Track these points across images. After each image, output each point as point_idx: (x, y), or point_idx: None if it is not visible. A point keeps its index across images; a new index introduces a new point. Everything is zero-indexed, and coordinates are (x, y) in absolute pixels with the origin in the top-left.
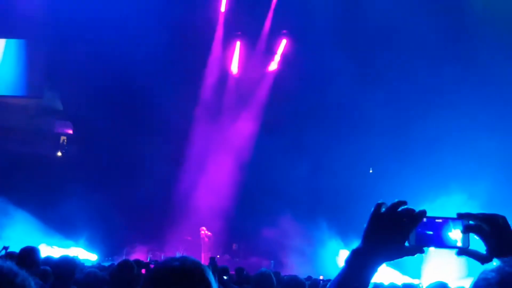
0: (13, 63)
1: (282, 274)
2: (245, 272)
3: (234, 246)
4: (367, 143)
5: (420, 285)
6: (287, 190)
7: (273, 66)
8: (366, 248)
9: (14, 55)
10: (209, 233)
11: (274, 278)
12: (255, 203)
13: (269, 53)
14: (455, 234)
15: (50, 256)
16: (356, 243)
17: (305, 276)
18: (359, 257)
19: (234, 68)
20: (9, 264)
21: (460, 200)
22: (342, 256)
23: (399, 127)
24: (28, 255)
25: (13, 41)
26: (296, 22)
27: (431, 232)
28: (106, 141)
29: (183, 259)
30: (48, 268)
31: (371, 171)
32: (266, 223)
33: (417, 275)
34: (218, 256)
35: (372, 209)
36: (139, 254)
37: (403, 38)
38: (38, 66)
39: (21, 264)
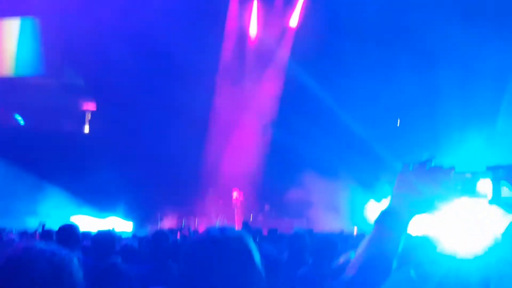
0: (30, 43)
1: (315, 231)
2: (278, 232)
3: (267, 207)
4: (393, 93)
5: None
6: (313, 147)
7: (293, 22)
8: (397, 207)
9: (29, 34)
10: (241, 195)
11: (307, 237)
12: (283, 163)
13: (288, 10)
14: (485, 186)
15: (88, 231)
16: (382, 193)
17: (338, 231)
18: (389, 217)
19: (253, 29)
20: (49, 245)
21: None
22: (371, 208)
23: (424, 75)
24: (68, 232)
25: (27, 21)
26: None
27: (460, 187)
28: (131, 112)
29: (223, 229)
30: (87, 243)
31: (398, 122)
32: (295, 182)
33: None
34: (251, 216)
35: (400, 169)
36: (172, 220)
37: None
38: (55, 44)
39: (62, 241)
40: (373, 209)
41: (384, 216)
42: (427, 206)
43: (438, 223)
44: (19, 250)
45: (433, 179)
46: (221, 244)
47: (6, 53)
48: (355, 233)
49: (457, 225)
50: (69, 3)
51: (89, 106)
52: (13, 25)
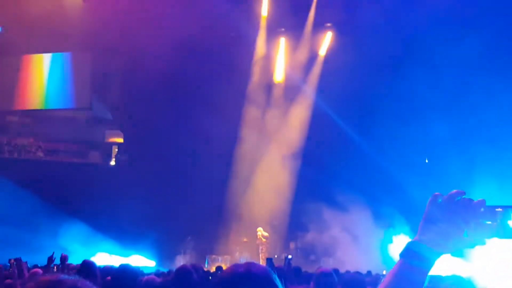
0: (60, 76)
1: (342, 271)
2: (303, 271)
3: (292, 245)
4: (422, 131)
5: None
6: (339, 183)
7: (320, 57)
8: (423, 240)
9: (60, 68)
10: (265, 234)
11: (335, 277)
12: (309, 199)
13: (316, 42)
14: None
15: (110, 265)
16: (408, 230)
17: (365, 270)
18: (415, 251)
19: (280, 62)
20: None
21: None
22: (396, 244)
23: (454, 113)
24: (86, 269)
25: (58, 55)
26: (340, 13)
27: (490, 222)
28: (158, 147)
29: (248, 265)
30: (108, 278)
31: (426, 161)
32: (321, 219)
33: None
34: (276, 256)
35: (428, 200)
36: (196, 258)
37: (452, 26)
38: (85, 77)
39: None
40: (398, 245)
41: (409, 249)
42: (456, 241)
43: (471, 262)
44: (45, 282)
45: (462, 212)
46: (247, 281)
47: (36, 86)
48: (384, 273)
49: (491, 265)
50: (98, 39)
51: (115, 139)
52: (43, 60)
